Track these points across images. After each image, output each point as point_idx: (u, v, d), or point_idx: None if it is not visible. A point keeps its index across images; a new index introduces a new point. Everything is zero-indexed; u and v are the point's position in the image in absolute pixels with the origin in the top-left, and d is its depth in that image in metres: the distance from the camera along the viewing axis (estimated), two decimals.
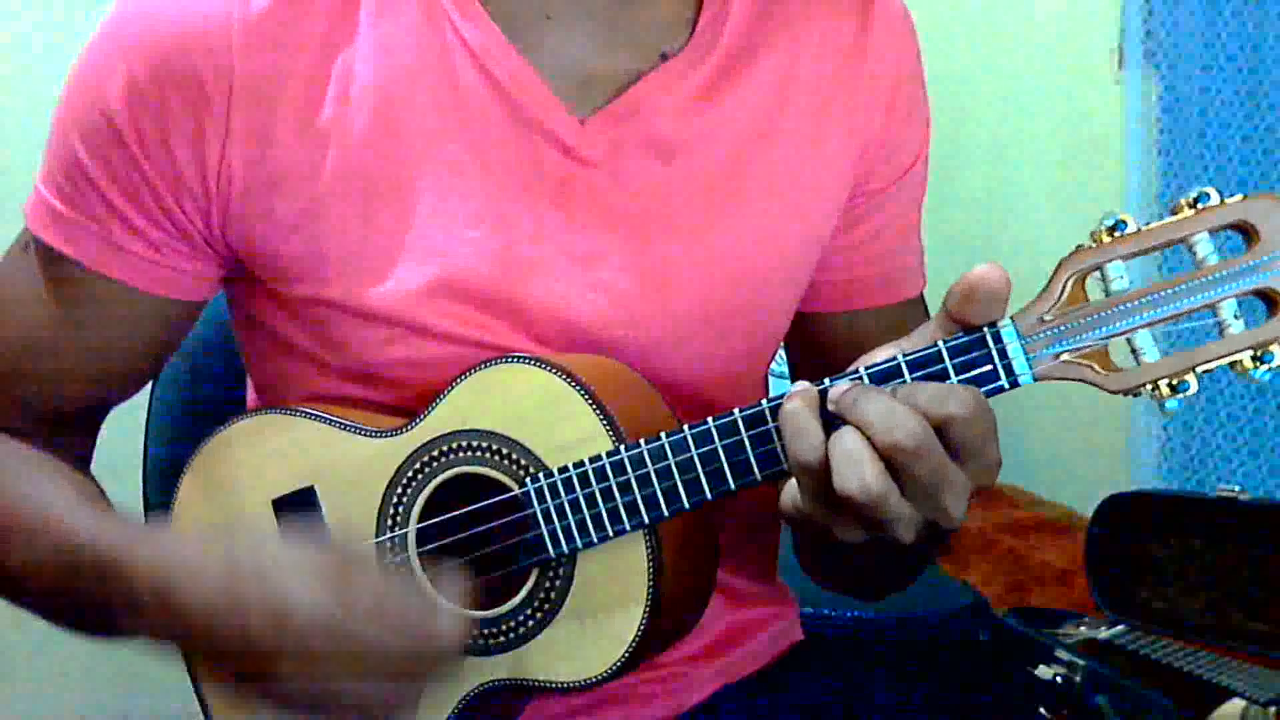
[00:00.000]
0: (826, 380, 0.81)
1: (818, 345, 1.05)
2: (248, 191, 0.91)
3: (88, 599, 0.89)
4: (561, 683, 0.89)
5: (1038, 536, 2.21)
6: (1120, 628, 1.84)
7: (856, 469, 0.76)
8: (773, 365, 1.07)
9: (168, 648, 0.91)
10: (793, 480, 0.82)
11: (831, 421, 0.79)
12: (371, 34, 0.91)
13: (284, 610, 0.81)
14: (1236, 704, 1.63)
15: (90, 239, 0.92)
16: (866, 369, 0.81)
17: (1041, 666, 1.72)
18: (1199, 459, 2.19)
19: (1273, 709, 1.61)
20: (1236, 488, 1.85)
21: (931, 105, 1.05)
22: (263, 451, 0.95)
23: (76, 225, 0.92)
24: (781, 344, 1.07)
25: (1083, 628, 1.84)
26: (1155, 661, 1.76)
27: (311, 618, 0.81)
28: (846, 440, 0.77)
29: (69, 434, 1.00)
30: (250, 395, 1.07)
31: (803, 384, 0.81)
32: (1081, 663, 1.70)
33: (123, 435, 1.09)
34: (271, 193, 0.91)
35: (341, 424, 0.93)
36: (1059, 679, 1.70)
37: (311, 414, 0.94)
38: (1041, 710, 1.69)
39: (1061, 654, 1.72)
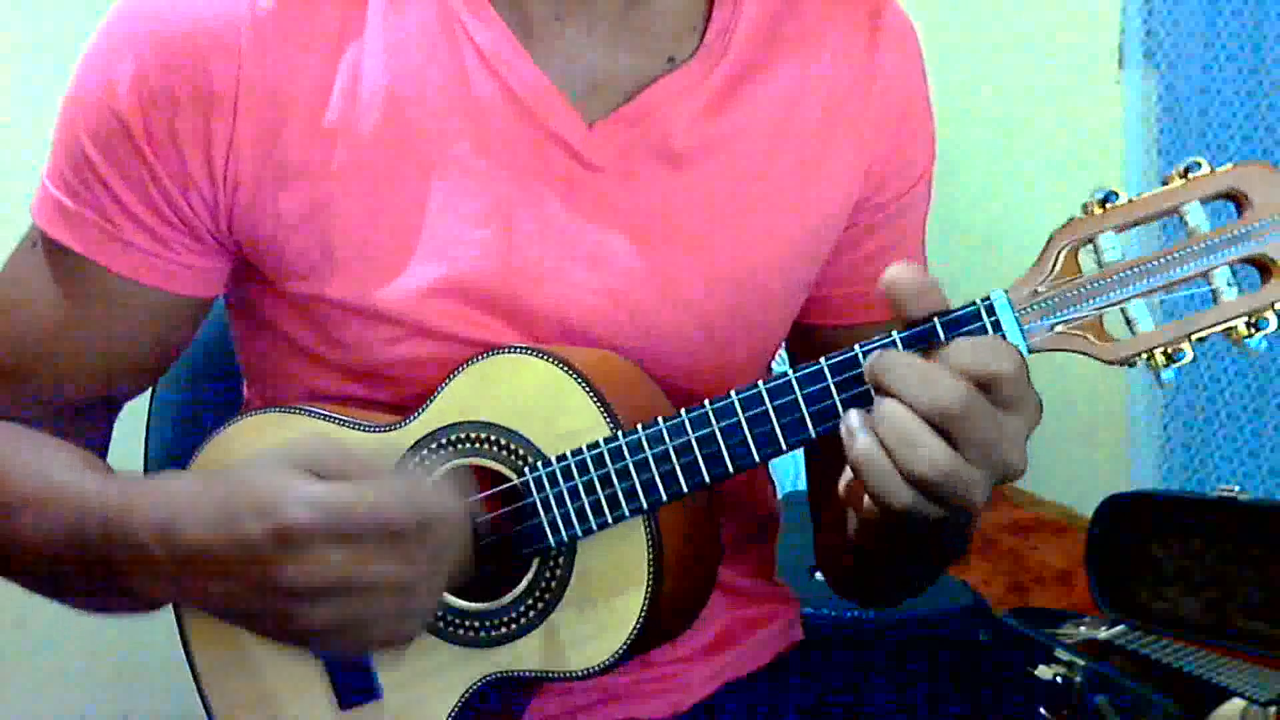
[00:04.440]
0: (821, 359, 0.82)
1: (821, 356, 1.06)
2: (255, 189, 0.91)
3: (96, 560, 0.87)
4: (564, 672, 0.89)
5: (1038, 536, 2.21)
6: (1120, 628, 1.84)
7: (918, 449, 0.76)
8: (773, 364, 1.08)
9: (179, 598, 0.89)
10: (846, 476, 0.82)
11: (852, 388, 0.80)
12: (381, 34, 0.91)
13: (275, 505, 0.79)
14: (1236, 704, 1.63)
15: (97, 233, 0.92)
16: (861, 347, 0.81)
17: (1041, 666, 1.72)
18: (1199, 459, 2.20)
19: (1273, 709, 1.61)
20: (1236, 488, 1.86)
21: (932, 106, 1.05)
22: (263, 450, 0.95)
23: (84, 220, 0.92)
24: (782, 346, 1.07)
25: (1083, 628, 1.84)
26: (1155, 661, 1.76)
27: (304, 504, 0.78)
28: (894, 419, 0.77)
29: (79, 428, 1.00)
30: (247, 395, 1.07)
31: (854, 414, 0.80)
32: (1081, 663, 1.70)
33: (123, 435, 1.08)
34: (279, 190, 0.91)
35: (340, 420, 0.93)
36: (1059, 679, 1.70)
37: (311, 411, 0.94)
38: (1041, 710, 1.69)
39: (1061, 654, 1.73)
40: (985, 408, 0.77)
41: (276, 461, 0.81)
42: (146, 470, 1.27)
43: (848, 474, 0.82)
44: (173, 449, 1.24)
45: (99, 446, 1.02)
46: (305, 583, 0.79)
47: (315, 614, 0.80)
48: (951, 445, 0.77)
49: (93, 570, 0.89)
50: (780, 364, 1.09)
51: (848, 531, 0.89)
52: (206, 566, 0.82)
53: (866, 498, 0.81)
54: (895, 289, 0.80)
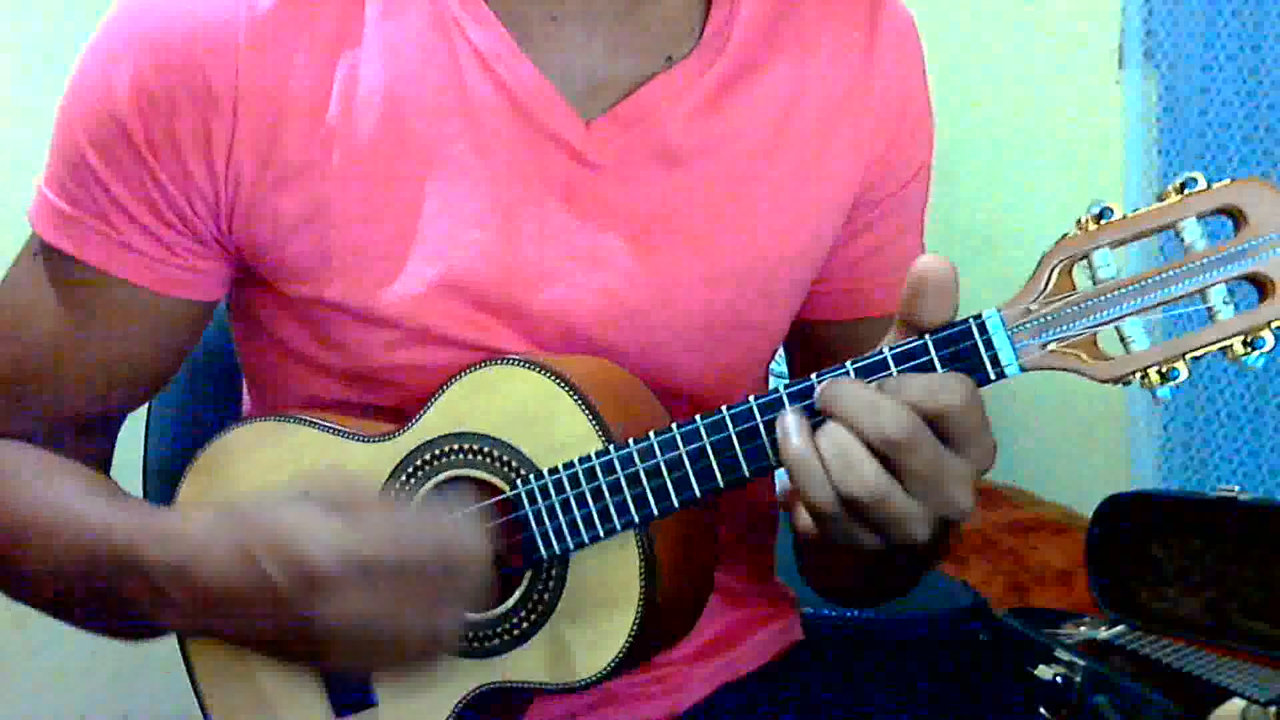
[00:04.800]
0: (812, 376, 0.81)
1: (819, 354, 1.05)
2: (254, 191, 0.91)
3: (109, 592, 0.89)
4: (556, 684, 0.89)
5: (1038, 536, 2.21)
6: (1120, 628, 1.84)
7: (855, 470, 0.76)
8: (772, 364, 1.08)
9: (195, 633, 0.90)
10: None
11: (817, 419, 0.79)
12: (377, 36, 0.91)
13: (299, 549, 0.80)
14: (1236, 704, 1.63)
15: (99, 240, 0.92)
16: (853, 364, 0.81)
17: (1041, 666, 1.72)
18: (1199, 459, 2.19)
19: (1273, 709, 1.61)
20: (1236, 488, 1.85)
21: (931, 104, 1.05)
22: (259, 460, 0.95)
23: (84, 227, 0.92)
24: (780, 346, 1.07)
25: (1083, 628, 1.84)
26: (1155, 661, 1.76)
27: (328, 548, 0.80)
28: (837, 437, 0.77)
29: (84, 440, 1.00)
30: (247, 399, 1.07)
31: (790, 419, 0.80)
32: (1081, 663, 1.70)
33: (123, 435, 1.08)
34: (277, 193, 0.91)
35: (336, 430, 0.93)
36: (1059, 679, 1.70)
37: (307, 421, 0.94)
38: (1041, 710, 1.69)
39: (1061, 654, 1.72)
40: (930, 441, 0.77)
41: (292, 499, 0.83)
42: (145, 471, 1.27)
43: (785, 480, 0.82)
44: (172, 450, 1.24)
45: (103, 459, 1.02)
46: (332, 624, 0.80)
47: (339, 648, 0.82)
48: (893, 474, 0.77)
49: (103, 601, 0.90)
50: (779, 362, 1.09)
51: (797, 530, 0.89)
52: (228, 607, 0.83)
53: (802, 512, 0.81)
54: (922, 282, 0.79)
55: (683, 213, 0.95)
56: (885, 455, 0.77)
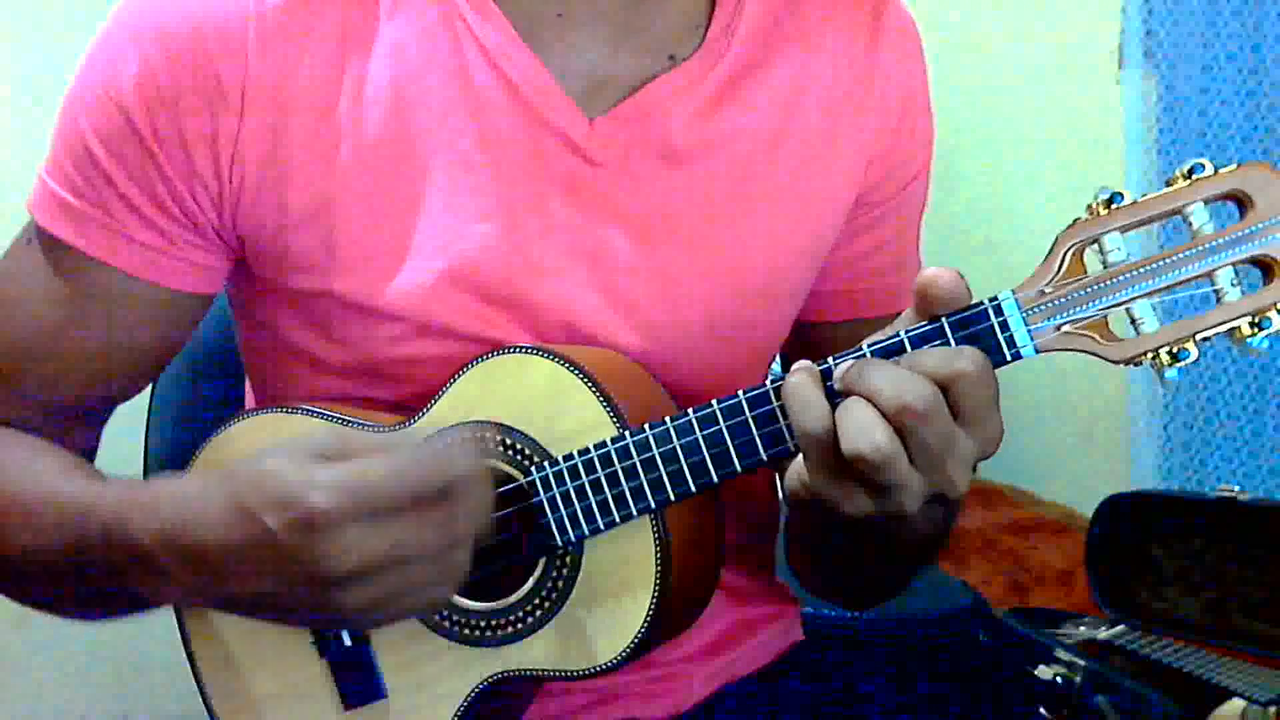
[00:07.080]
0: (830, 359, 0.82)
1: (817, 354, 1.06)
2: (260, 185, 0.91)
3: (97, 568, 0.87)
4: (570, 671, 0.89)
5: (1038, 536, 2.21)
6: (1120, 628, 1.84)
7: (867, 433, 0.77)
8: (773, 367, 1.08)
9: (194, 601, 0.88)
10: (798, 459, 0.82)
11: (835, 398, 0.79)
12: (386, 32, 0.91)
13: (293, 494, 0.76)
14: (1236, 704, 1.64)
15: (100, 230, 0.92)
16: (870, 345, 0.81)
17: (1041, 666, 1.72)
18: (1199, 459, 2.20)
19: (1273, 709, 1.61)
20: (1236, 488, 1.86)
21: (932, 105, 1.05)
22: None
23: (86, 217, 0.92)
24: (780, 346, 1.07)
25: (1083, 628, 1.84)
26: (1155, 661, 1.76)
27: (323, 489, 0.76)
28: (855, 408, 0.78)
29: (74, 428, 1.00)
30: (249, 397, 1.07)
31: (805, 362, 0.81)
32: (1081, 663, 1.70)
33: (123, 435, 1.08)
34: (284, 187, 0.91)
35: (343, 420, 0.93)
36: (1059, 679, 1.70)
37: (313, 411, 0.94)
38: (1041, 710, 1.69)
39: (1061, 654, 1.73)
40: (944, 415, 0.77)
41: (282, 452, 0.79)
42: (146, 469, 1.27)
43: (798, 463, 0.82)
44: (173, 448, 1.24)
45: (89, 451, 1.02)
46: (339, 567, 0.76)
47: (351, 596, 0.78)
48: (902, 442, 0.77)
49: (90, 576, 0.88)
50: (775, 366, 1.09)
51: (788, 514, 0.89)
52: (227, 567, 0.79)
53: (792, 477, 0.81)
54: (933, 289, 0.80)
55: (684, 212, 0.96)
56: (899, 425, 0.77)
